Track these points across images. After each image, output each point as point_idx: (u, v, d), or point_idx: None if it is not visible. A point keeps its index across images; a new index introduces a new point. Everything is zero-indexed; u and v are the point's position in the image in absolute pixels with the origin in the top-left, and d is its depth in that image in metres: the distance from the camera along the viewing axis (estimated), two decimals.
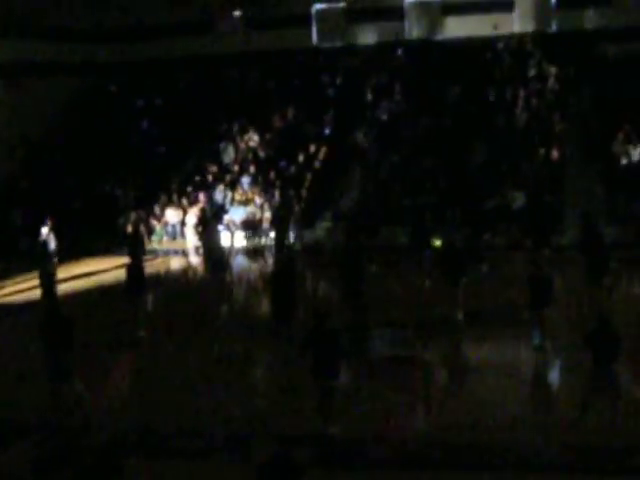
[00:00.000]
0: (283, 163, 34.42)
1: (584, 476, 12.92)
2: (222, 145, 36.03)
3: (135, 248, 25.67)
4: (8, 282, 27.26)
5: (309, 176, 33.47)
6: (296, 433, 14.30)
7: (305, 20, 38.91)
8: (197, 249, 31.04)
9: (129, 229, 27.40)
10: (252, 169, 34.47)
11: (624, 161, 31.77)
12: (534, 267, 19.00)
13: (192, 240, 31.60)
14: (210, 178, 34.72)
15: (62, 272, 25.72)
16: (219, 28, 39.59)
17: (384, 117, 35.92)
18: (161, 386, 17.36)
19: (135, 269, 21.28)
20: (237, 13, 39.52)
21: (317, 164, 34.32)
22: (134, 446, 14.26)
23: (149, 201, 34.07)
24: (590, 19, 35.90)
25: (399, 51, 38.23)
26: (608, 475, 12.85)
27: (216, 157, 35.90)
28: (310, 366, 14.28)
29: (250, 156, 35.41)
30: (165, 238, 33.14)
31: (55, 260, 24.73)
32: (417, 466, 13.46)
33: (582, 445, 13.53)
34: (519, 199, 30.65)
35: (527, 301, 18.38)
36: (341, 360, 14.47)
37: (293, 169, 34.14)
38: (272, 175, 33.94)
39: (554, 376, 18.10)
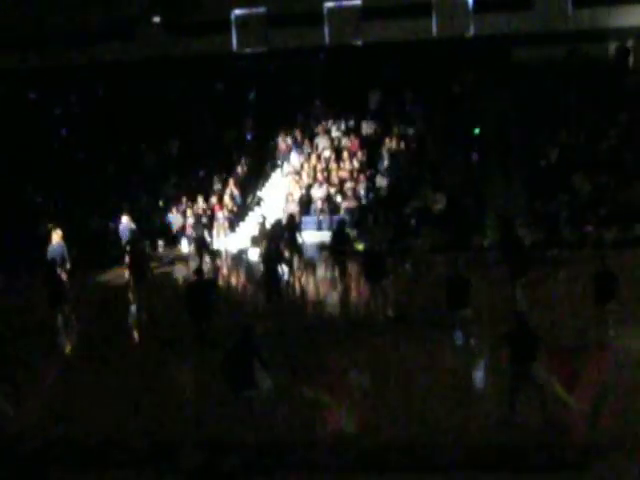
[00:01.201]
0: (202, 172, 34.37)
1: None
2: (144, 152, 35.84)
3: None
4: None
5: (231, 182, 33.41)
6: (224, 441, 14.33)
7: (225, 25, 38.73)
8: None
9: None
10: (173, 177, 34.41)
11: (542, 163, 32.41)
12: (454, 269, 19.35)
13: None
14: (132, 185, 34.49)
15: None
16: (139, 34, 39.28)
17: (306, 123, 36.11)
18: (86, 397, 17.18)
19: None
20: (157, 19, 39.20)
21: (239, 170, 34.34)
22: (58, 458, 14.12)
23: (70, 208, 33.64)
24: (507, 23, 36.31)
25: (320, 56, 38.37)
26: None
27: (138, 164, 35.64)
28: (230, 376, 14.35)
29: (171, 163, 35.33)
30: None
31: None
32: (346, 470, 13.57)
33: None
34: (440, 201, 31.00)
35: (446, 302, 18.70)
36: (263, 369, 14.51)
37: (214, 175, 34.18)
38: (193, 183, 33.86)
39: (477, 375, 18.33)
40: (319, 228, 31.33)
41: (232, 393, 14.37)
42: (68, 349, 21.14)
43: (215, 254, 29.75)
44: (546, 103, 34.02)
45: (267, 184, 34.16)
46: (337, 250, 24.74)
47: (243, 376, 14.20)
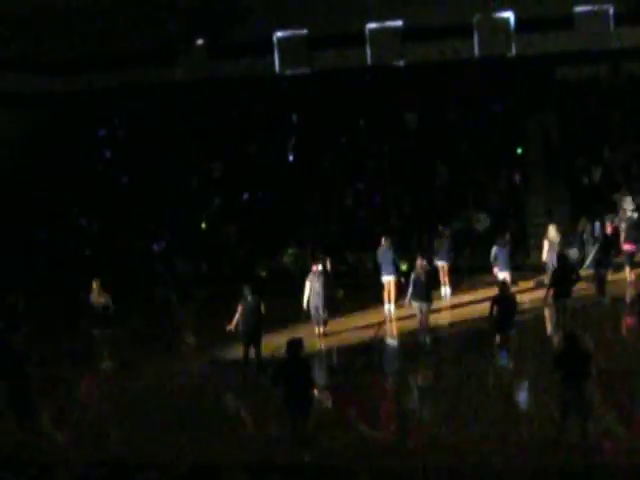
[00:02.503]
0: (246, 195, 34.54)
1: None
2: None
3: None
4: None
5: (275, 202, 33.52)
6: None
7: (268, 47, 38.94)
8: None
9: None
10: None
11: (585, 181, 32.23)
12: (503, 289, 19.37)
13: None
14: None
15: None
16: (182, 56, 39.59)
17: (348, 143, 36.17)
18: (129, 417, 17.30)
19: None
20: (200, 41, 39.52)
21: (282, 190, 34.45)
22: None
23: (114, 231, 33.93)
24: (549, 42, 36.23)
25: (361, 77, 38.43)
26: None
27: (181, 186, 35.85)
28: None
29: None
30: None
31: None
32: None
33: None
34: (484, 222, 30.92)
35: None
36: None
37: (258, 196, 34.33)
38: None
39: (528, 396, 18.22)
40: None
41: (289, 412, 14.36)
42: None
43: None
44: (590, 122, 33.87)
45: None
46: None
47: (300, 393, 14.21)
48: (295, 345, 14.61)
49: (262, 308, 19.41)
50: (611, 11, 36.01)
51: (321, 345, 21.68)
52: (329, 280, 23.17)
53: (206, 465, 14.67)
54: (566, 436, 14.24)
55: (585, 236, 28.76)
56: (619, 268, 26.54)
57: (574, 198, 31.82)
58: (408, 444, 15.19)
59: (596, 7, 36.03)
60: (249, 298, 19.48)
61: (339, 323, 23.15)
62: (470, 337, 21.58)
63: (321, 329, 22.26)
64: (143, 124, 38.71)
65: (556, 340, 19.76)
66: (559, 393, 14.47)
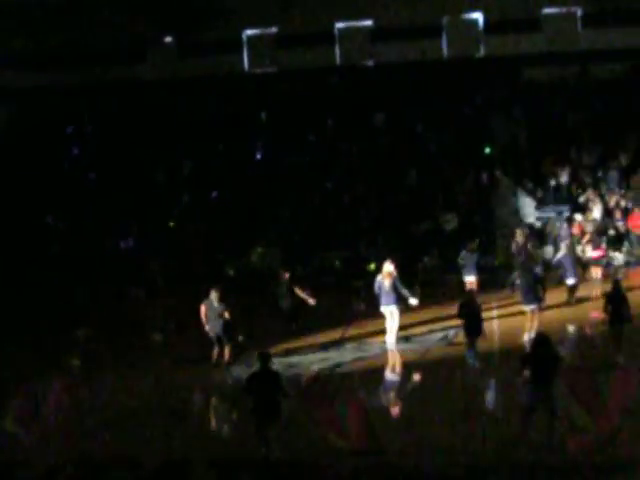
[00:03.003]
0: (215, 193, 34.42)
1: None
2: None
3: None
4: None
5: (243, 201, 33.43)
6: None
7: (237, 46, 38.82)
8: None
9: None
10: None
11: (552, 182, 32.48)
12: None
13: None
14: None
15: None
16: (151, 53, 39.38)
17: (316, 143, 36.19)
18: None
19: None
20: (169, 38, 39.34)
21: (251, 189, 34.39)
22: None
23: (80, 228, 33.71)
24: (517, 44, 36.42)
25: (332, 77, 38.47)
26: None
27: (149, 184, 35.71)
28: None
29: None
30: None
31: None
32: None
33: None
34: (452, 221, 31.05)
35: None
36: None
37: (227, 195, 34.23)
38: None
39: (493, 395, 18.35)
40: None
41: (256, 419, 14.46)
42: None
43: None
44: (557, 123, 34.13)
45: None
46: None
47: (269, 406, 14.35)
48: (265, 357, 14.87)
49: (226, 314, 19.60)
50: (579, 13, 36.25)
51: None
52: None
53: (177, 461, 14.65)
54: (532, 434, 14.35)
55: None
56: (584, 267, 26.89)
57: (541, 198, 32.05)
58: (373, 443, 15.21)
59: (564, 9, 36.26)
60: (215, 304, 19.62)
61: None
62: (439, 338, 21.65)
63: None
64: (111, 121, 38.47)
65: (526, 341, 19.85)
66: (526, 392, 14.55)
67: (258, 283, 28.70)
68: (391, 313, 21.13)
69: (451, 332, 20.77)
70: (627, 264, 28.71)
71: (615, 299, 18.59)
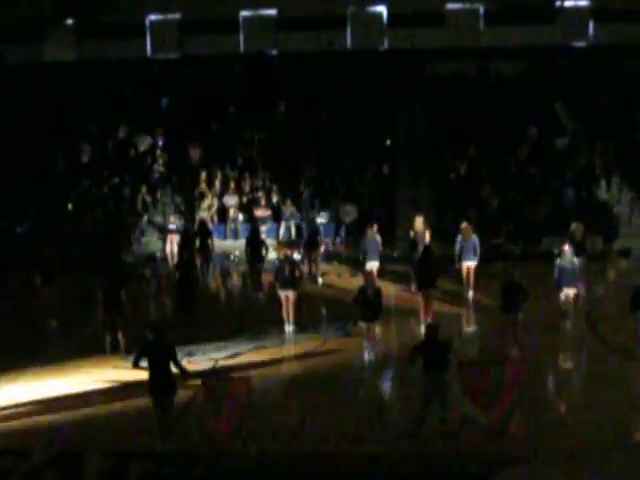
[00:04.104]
0: (116, 179, 33.95)
1: None
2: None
3: None
4: None
5: (144, 189, 33.03)
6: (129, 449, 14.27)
7: (139, 30, 38.39)
8: None
9: None
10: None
11: (452, 176, 32.92)
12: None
13: None
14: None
15: None
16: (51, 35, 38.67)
17: (218, 131, 36.01)
18: None
19: None
20: (69, 21, 38.70)
21: (154, 177, 34.05)
22: None
23: None
24: (421, 38, 36.81)
25: (234, 64, 38.34)
26: None
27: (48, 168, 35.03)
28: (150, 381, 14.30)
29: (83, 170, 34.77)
30: None
31: None
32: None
33: None
34: (351, 213, 31.21)
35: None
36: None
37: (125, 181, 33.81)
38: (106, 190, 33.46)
39: (387, 386, 18.52)
40: (235, 237, 31.33)
41: (152, 396, 14.32)
42: None
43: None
44: (457, 118, 34.63)
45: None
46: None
47: (163, 379, 14.19)
48: (158, 328, 14.63)
49: (122, 296, 19.45)
50: (481, 10, 36.84)
51: None
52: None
53: (69, 452, 14.44)
54: (426, 423, 14.54)
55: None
56: None
57: (439, 192, 32.47)
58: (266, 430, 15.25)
59: (467, 5, 36.84)
60: (113, 290, 19.58)
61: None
62: (336, 324, 21.74)
63: None
64: (10, 103, 37.61)
65: (422, 329, 20.06)
66: (420, 381, 14.74)
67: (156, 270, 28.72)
68: (287, 297, 21.19)
69: (351, 321, 20.81)
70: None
71: (510, 289, 18.88)
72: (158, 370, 14.19)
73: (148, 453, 14.28)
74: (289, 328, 21.22)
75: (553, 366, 18.81)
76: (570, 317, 20.57)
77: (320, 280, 26.41)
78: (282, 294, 21.26)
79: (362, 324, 19.25)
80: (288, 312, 21.24)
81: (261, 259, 25.32)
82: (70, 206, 32.94)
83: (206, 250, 27.20)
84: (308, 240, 27.33)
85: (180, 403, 14.92)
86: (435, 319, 19.52)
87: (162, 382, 14.20)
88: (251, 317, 23.05)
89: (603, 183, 31.90)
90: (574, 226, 24.65)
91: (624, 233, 29.70)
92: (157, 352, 14.31)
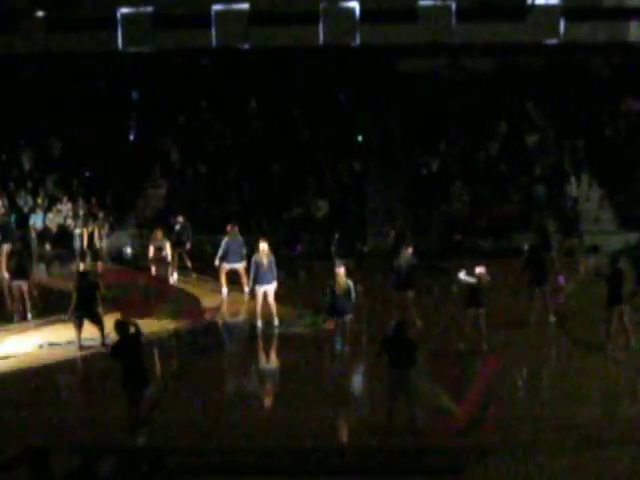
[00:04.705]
0: (87, 171, 33.74)
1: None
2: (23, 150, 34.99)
3: None
4: None
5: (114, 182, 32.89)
6: (99, 445, 14.23)
7: (111, 23, 38.14)
8: None
9: None
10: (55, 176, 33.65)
11: (423, 172, 33.02)
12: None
13: None
14: (11, 184, 33.57)
15: None
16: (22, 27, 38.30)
17: (190, 125, 35.94)
18: None
19: None
20: (41, 12, 38.36)
21: (122, 170, 33.89)
22: None
23: None
24: (393, 34, 36.84)
25: (205, 59, 38.29)
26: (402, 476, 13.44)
27: (16, 162, 34.79)
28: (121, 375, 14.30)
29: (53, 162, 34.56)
30: None
31: None
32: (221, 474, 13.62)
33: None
34: (323, 208, 31.25)
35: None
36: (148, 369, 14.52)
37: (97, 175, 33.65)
38: (76, 182, 33.26)
39: (356, 380, 18.55)
40: None
41: (125, 390, 14.31)
42: None
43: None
44: (429, 114, 34.74)
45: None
46: None
47: (136, 373, 14.24)
48: (122, 325, 14.71)
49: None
50: (454, 7, 36.89)
51: None
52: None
53: (38, 448, 14.38)
54: (394, 418, 14.59)
55: None
56: None
57: (410, 188, 32.56)
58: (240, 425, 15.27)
59: (439, 2, 36.87)
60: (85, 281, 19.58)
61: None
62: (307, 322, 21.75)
63: None
64: None
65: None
66: (387, 377, 14.78)
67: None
68: (265, 293, 21.13)
69: (321, 316, 20.79)
70: None
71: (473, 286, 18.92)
72: (131, 365, 14.26)
73: (119, 448, 14.25)
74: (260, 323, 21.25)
75: (522, 360, 18.90)
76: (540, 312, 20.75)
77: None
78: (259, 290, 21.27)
79: (332, 319, 19.20)
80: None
81: None
82: (40, 200, 32.74)
83: None
84: None
85: (152, 397, 14.94)
86: (409, 317, 19.54)
87: (135, 377, 14.26)
88: None
89: (573, 180, 32.11)
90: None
91: (593, 230, 29.95)
92: (131, 347, 14.37)
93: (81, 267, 26.07)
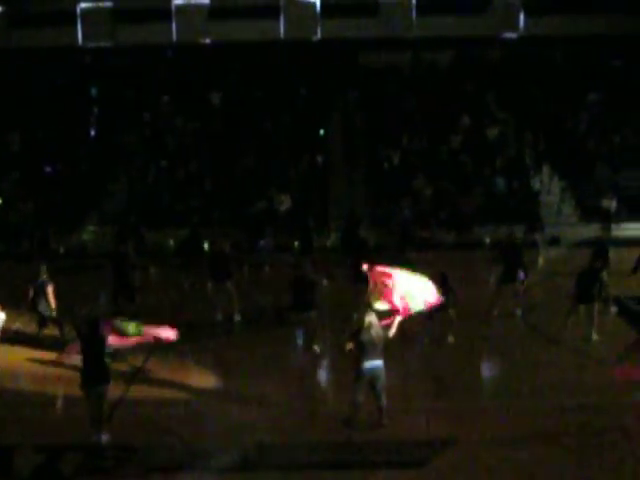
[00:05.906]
0: (48, 167, 33.49)
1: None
2: None
3: None
4: None
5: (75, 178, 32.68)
6: (62, 443, 14.18)
7: (70, 18, 37.90)
8: None
9: None
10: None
11: (385, 166, 33.09)
12: (299, 270, 19.53)
13: None
14: None
15: None
16: None
17: (151, 120, 35.79)
18: None
19: None
20: (0, 8, 38.05)
21: (83, 166, 33.68)
22: None
23: None
24: (354, 28, 36.90)
25: (168, 52, 38.17)
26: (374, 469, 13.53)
27: None
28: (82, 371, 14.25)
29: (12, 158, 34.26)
30: None
31: None
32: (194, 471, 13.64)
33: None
34: (285, 202, 31.22)
35: (293, 304, 18.89)
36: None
37: (58, 171, 33.39)
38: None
39: (322, 375, 18.59)
40: None
41: (84, 387, 14.25)
42: None
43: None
44: (390, 108, 34.83)
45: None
46: None
47: (96, 370, 14.18)
48: (92, 321, 14.62)
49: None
50: (414, 0, 37.03)
51: None
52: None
53: (2, 446, 14.29)
54: (360, 411, 14.65)
55: None
56: None
57: (373, 181, 32.64)
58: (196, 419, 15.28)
59: None
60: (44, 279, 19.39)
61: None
62: (271, 315, 21.72)
63: None
64: None
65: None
66: (354, 370, 14.81)
67: (91, 261, 28.39)
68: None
69: (286, 311, 20.74)
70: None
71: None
72: (92, 361, 14.22)
73: (81, 445, 14.20)
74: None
75: (484, 352, 19.04)
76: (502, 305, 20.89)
77: None
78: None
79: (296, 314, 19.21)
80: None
81: None
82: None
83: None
84: None
85: (114, 394, 14.91)
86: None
87: (95, 373, 14.19)
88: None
89: (533, 172, 32.33)
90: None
91: (554, 222, 30.16)
92: (91, 344, 14.32)
93: None
